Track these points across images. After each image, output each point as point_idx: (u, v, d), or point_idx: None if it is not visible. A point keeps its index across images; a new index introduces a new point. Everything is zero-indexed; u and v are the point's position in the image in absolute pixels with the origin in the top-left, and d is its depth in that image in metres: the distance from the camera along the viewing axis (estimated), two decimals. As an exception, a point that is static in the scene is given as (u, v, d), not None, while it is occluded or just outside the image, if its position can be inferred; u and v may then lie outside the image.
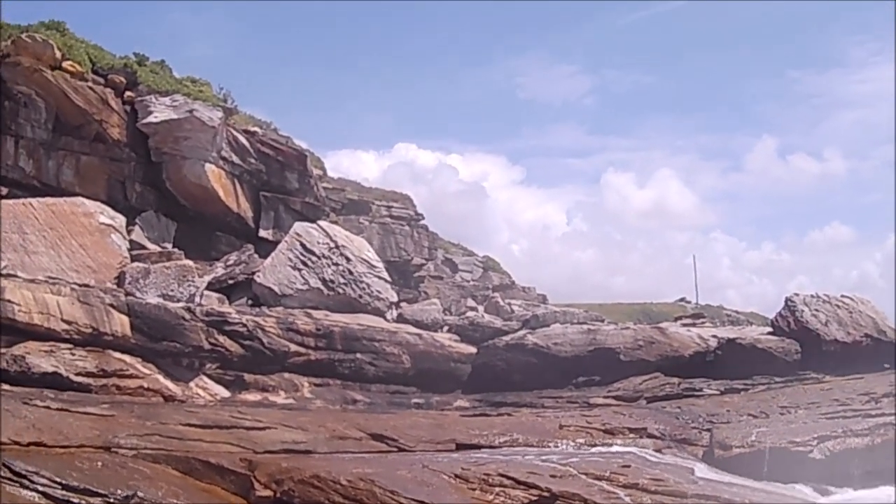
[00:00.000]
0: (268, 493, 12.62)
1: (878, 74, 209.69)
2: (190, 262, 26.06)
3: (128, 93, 28.84)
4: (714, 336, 27.90)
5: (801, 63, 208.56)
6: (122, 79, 28.85)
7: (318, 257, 28.20)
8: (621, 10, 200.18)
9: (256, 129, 33.07)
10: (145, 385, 20.71)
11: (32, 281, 21.88)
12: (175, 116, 28.48)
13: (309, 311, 26.23)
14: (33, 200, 25.25)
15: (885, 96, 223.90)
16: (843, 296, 29.87)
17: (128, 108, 28.65)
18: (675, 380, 25.18)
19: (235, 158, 30.40)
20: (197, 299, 24.78)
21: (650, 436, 18.56)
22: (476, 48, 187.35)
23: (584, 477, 13.50)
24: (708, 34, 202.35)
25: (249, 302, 26.78)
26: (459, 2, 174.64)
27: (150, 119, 28.36)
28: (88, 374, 20.16)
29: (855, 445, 17.16)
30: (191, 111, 28.54)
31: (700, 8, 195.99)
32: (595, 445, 17.57)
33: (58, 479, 11.75)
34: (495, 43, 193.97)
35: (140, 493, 11.57)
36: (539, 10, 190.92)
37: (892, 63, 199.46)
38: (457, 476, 13.03)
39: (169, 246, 27.78)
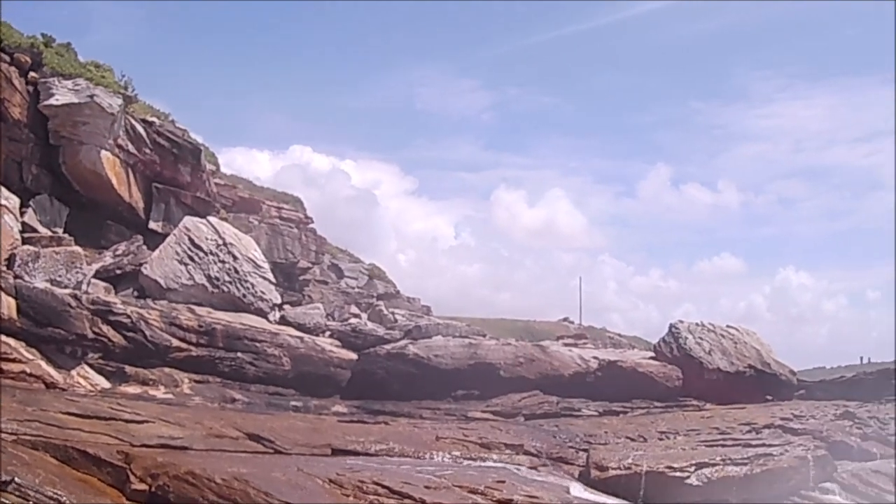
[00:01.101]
0: (143, 486, 12.59)
1: (780, 110, 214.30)
2: (79, 249, 25.77)
3: (32, 73, 28.33)
4: (595, 357, 28.25)
5: (705, 94, 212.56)
6: (28, 59, 28.30)
7: (206, 253, 28.21)
8: (528, 31, 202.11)
9: (154, 119, 32.89)
10: (28, 370, 20.33)
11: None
12: (76, 100, 28.12)
13: (193, 306, 26.27)
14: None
15: (785, 132, 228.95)
16: (728, 326, 30.65)
17: (31, 88, 28.12)
18: (554, 398, 25.42)
19: (131, 147, 30.12)
20: (84, 287, 24.54)
21: (527, 452, 18.62)
22: (378, 55, 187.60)
23: (458, 490, 13.61)
24: (612, 59, 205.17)
25: (135, 293, 26.67)
26: (364, 6, 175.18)
27: (52, 101, 27.99)
28: (-29, 356, 19.74)
29: (733, 474, 17.34)
30: (91, 96, 28.20)
31: (606, 33, 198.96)
32: (471, 459, 17.62)
33: (-66, 461, 11.57)
34: (397, 51, 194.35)
35: (17, 480, 11.49)
36: (445, 24, 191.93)
37: (796, 101, 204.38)
38: (331, 481, 13.12)
39: (60, 231, 27.31)
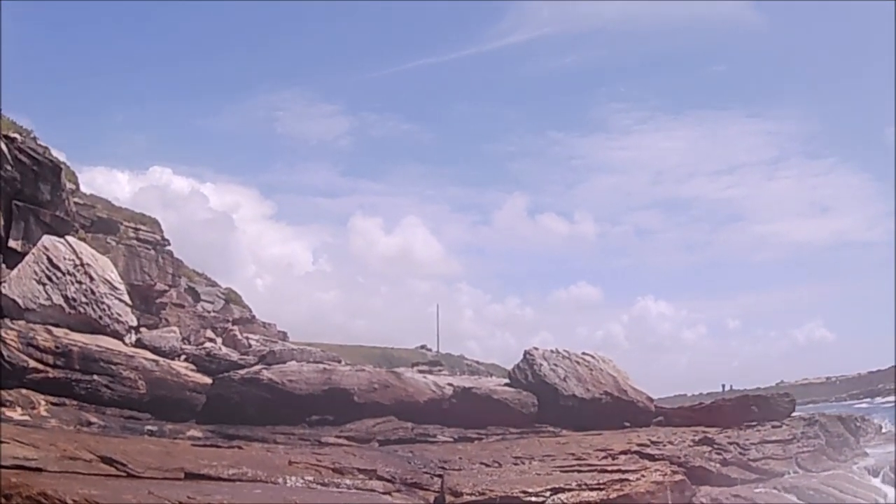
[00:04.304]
0: (-4, 506, 12.54)
1: (640, 142, 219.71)
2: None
3: None
4: (450, 384, 28.59)
5: (564, 125, 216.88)
6: None
7: (63, 273, 27.94)
8: (388, 59, 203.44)
9: (17, 135, 32.58)
10: None
11: None
12: (-66, 117, 27.76)
13: (50, 327, 25.96)
14: None
15: (644, 164, 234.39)
16: (584, 353, 31.38)
17: None
18: (409, 424, 25.77)
19: (-8, 164, 29.82)
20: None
21: (380, 478, 18.82)
22: (239, 78, 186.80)
23: None
24: (472, 89, 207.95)
25: (-7, 313, 26.39)
26: (226, 28, 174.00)
27: None
28: None
29: (589, 499, 17.63)
30: (-50, 112, 27.85)
31: (467, 64, 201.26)
32: (324, 484, 17.78)
33: None
34: (258, 74, 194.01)
35: None
36: (306, 48, 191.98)
37: (656, 133, 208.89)
38: None
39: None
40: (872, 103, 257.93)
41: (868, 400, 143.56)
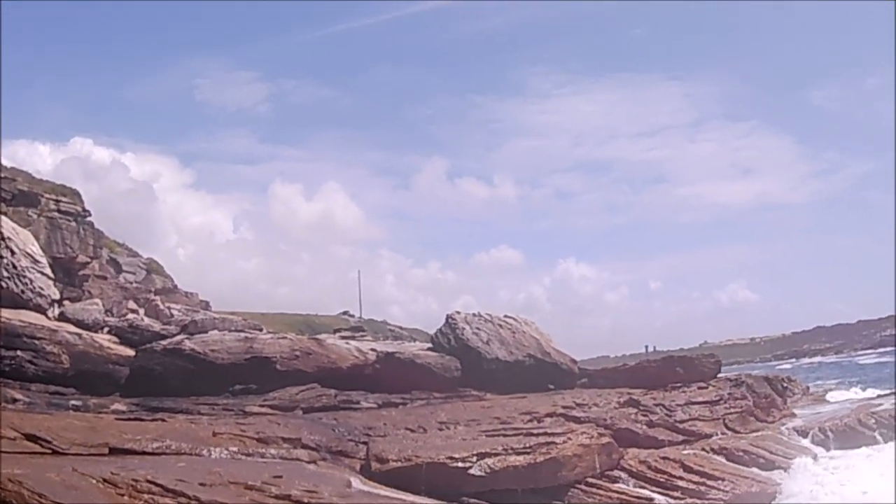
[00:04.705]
0: (-83, 488, 12.50)
1: (558, 106, 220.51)
2: None
3: None
4: (373, 350, 28.56)
5: (483, 89, 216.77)
6: None
7: (-16, 248, 27.85)
8: (306, 25, 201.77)
9: (-64, 111, 32.35)
10: None
11: None
12: None
13: (-28, 304, 25.74)
14: None
15: (562, 128, 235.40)
16: (506, 316, 31.44)
17: None
18: (333, 391, 25.51)
19: (-87, 139, 29.57)
20: None
21: (305, 446, 18.81)
22: (156, 46, 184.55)
23: (233, 486, 13.85)
24: (391, 54, 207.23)
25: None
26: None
27: None
28: None
29: (516, 463, 17.75)
30: None
31: (385, 28, 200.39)
32: (249, 454, 17.77)
33: None
34: (176, 43, 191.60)
35: None
36: (223, 15, 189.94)
37: (576, 96, 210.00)
38: (105, 481, 13.21)
39: None
40: (794, 65, 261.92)
41: (792, 360, 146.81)
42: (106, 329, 29.44)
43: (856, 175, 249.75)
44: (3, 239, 28.45)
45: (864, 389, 44.34)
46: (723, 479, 20.83)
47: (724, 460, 22.62)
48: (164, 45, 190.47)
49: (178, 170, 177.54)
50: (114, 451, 16.79)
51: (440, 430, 21.44)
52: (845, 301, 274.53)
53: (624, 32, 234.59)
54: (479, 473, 17.44)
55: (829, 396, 41.84)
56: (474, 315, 30.79)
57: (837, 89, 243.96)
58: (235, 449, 17.96)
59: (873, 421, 26.54)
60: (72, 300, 32.86)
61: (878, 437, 25.44)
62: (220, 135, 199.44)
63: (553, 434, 19.61)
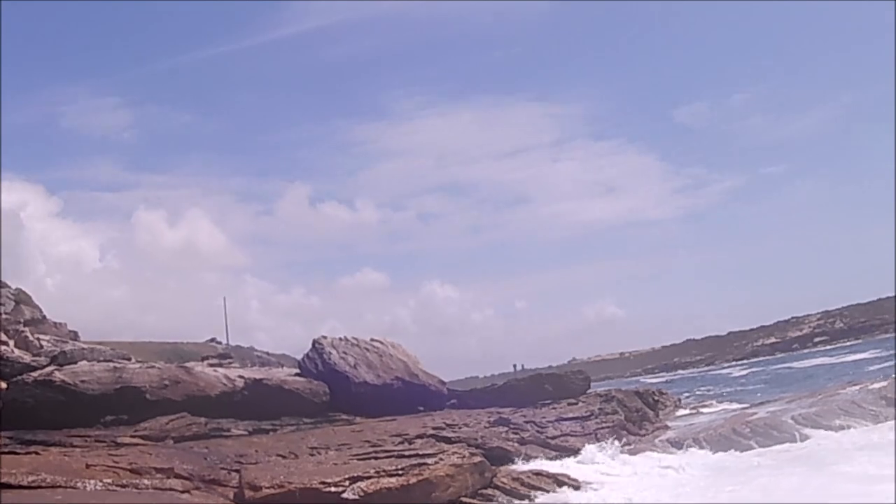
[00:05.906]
0: None
1: (421, 127, 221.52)
2: None
3: None
4: (241, 376, 28.42)
5: (346, 113, 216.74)
6: None
7: None
8: (170, 50, 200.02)
9: None
10: None
11: None
12: None
13: None
14: None
15: (425, 150, 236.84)
16: (372, 339, 31.67)
17: None
18: (203, 419, 25.37)
19: None
20: None
21: (178, 476, 18.56)
22: (22, 73, 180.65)
23: None
24: (254, 79, 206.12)
25: None
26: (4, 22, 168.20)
27: None
28: None
29: (389, 485, 17.56)
30: None
31: (248, 54, 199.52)
32: (123, 485, 17.54)
33: None
34: (41, 70, 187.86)
35: None
36: (86, 43, 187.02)
37: (439, 118, 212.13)
38: None
39: None
40: (657, 84, 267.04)
41: (663, 374, 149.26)
42: (-25, 362, 28.76)
43: (722, 190, 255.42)
44: None
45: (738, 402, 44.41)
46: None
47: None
48: (29, 71, 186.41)
49: (45, 198, 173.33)
50: (-11, 486, 16.62)
51: (311, 455, 21.49)
52: (715, 313, 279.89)
53: (486, 55, 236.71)
54: (352, 497, 17.31)
55: (703, 409, 42.07)
56: (341, 339, 30.97)
57: (703, 106, 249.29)
58: (109, 480, 17.70)
59: (748, 430, 26.50)
60: (-62, 334, 32.09)
61: (754, 445, 25.09)
62: (85, 162, 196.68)
63: (425, 455, 19.61)
